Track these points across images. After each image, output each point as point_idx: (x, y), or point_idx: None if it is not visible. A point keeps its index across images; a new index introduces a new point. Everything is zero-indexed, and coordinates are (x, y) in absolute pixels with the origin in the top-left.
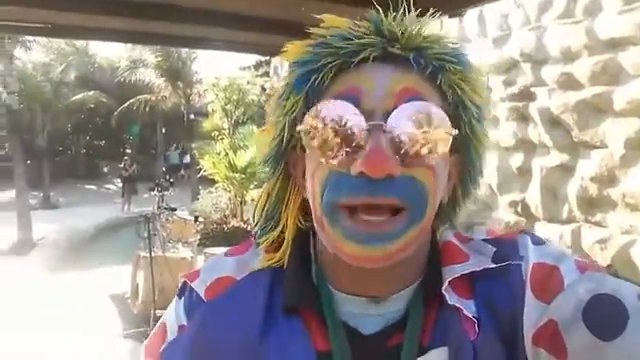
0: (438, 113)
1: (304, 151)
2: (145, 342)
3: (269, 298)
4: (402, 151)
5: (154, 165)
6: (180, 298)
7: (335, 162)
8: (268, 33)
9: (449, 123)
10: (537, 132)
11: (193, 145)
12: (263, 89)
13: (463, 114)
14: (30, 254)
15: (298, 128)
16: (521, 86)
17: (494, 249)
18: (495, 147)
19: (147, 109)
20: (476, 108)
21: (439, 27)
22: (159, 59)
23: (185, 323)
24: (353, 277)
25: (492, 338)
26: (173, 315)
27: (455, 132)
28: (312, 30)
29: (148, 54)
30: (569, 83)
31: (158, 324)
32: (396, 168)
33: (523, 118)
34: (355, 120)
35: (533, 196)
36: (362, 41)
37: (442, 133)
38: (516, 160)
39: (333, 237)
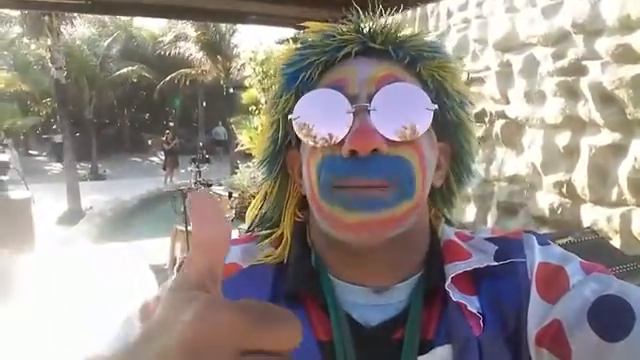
0: (417, 91)
1: (299, 148)
2: (139, 305)
3: (273, 290)
4: (387, 129)
5: (195, 138)
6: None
7: (326, 146)
8: (305, 7)
9: (429, 99)
10: (587, 109)
11: (231, 119)
12: None
13: (446, 100)
14: (79, 224)
15: (289, 117)
16: (571, 59)
17: (496, 247)
18: (540, 124)
19: (188, 83)
20: (458, 94)
21: None
22: (199, 33)
23: None
24: (350, 264)
25: (497, 335)
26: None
27: (435, 107)
28: (298, 36)
29: (189, 28)
30: (626, 56)
31: (155, 295)
32: (382, 144)
33: (572, 94)
34: (341, 104)
35: (580, 177)
36: (344, 37)
37: (423, 109)
38: (563, 138)
39: (332, 213)
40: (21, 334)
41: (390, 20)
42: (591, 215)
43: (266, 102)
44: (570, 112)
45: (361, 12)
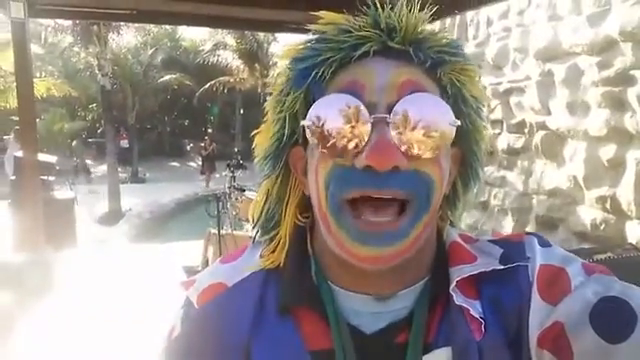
0: (441, 104)
1: (305, 148)
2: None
3: (261, 299)
4: (406, 144)
5: (232, 145)
6: (180, 309)
7: (339, 156)
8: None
9: (452, 114)
10: (635, 121)
11: None
12: None
13: (463, 106)
14: (118, 224)
15: (302, 122)
16: (618, 69)
17: (501, 250)
18: (583, 136)
19: (226, 90)
20: (475, 100)
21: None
22: (238, 42)
23: (179, 334)
24: (355, 275)
25: (498, 339)
26: (172, 326)
27: (458, 123)
28: (311, 27)
29: (229, 37)
30: None
31: (167, 331)
32: (402, 160)
33: (619, 105)
34: (359, 113)
35: (625, 191)
36: (362, 34)
37: (446, 124)
38: (607, 151)
39: (339, 238)
40: (61, 324)
41: (409, 15)
42: (637, 232)
43: (266, 96)
44: (616, 124)
45: (379, 5)
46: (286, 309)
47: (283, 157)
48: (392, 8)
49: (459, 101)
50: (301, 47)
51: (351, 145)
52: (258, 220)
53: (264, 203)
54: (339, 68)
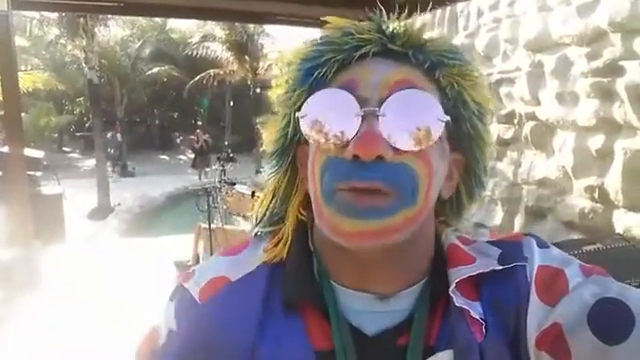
0: (429, 99)
1: (308, 145)
2: (136, 349)
3: (267, 295)
4: (394, 137)
5: (223, 138)
6: (171, 301)
7: (331, 147)
8: (332, 7)
9: (441, 109)
10: (623, 111)
11: (258, 119)
12: None
13: (463, 110)
14: (107, 219)
15: (297, 114)
16: (607, 59)
17: (499, 251)
18: (572, 126)
19: (216, 83)
20: (476, 105)
21: None
22: (227, 34)
23: (174, 328)
24: (355, 270)
25: (499, 340)
26: (163, 319)
27: (447, 118)
28: (317, 30)
29: (218, 29)
30: None
31: (149, 329)
32: (387, 151)
33: (607, 95)
34: (349, 106)
35: (613, 181)
36: (363, 36)
37: (434, 119)
38: (596, 141)
39: (329, 216)
40: (49, 320)
41: (413, 21)
42: (624, 221)
43: (256, 89)
44: (604, 114)
45: (384, 12)
46: (292, 306)
47: (289, 154)
48: (394, 10)
49: (459, 104)
50: (307, 48)
51: (342, 136)
52: (262, 217)
53: (270, 201)
54: (341, 68)
